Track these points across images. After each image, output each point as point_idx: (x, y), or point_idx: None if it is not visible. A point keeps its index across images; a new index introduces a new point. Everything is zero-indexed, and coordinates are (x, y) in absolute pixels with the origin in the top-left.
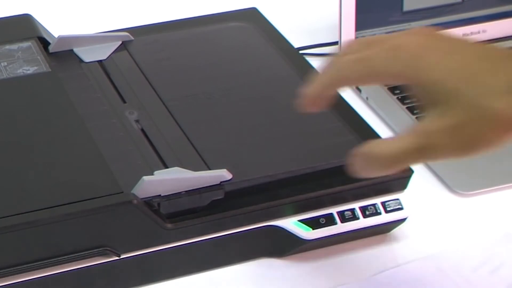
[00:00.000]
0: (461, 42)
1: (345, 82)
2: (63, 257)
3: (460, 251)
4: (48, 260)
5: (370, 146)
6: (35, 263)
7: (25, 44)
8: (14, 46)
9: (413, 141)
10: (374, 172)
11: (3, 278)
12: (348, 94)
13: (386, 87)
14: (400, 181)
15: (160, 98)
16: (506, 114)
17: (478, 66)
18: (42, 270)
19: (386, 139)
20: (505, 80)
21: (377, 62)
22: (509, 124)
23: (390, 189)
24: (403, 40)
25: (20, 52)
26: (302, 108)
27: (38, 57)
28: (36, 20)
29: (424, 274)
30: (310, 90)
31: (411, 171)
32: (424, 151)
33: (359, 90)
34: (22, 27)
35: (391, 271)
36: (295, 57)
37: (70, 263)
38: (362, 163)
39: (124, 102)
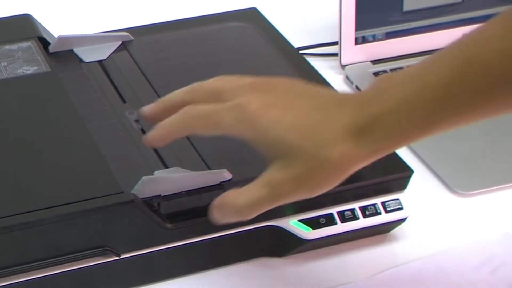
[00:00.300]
0: (296, 95)
1: (190, 133)
2: (63, 257)
3: (460, 251)
4: (48, 260)
5: (225, 198)
6: (35, 263)
7: (25, 44)
8: (14, 46)
9: (262, 191)
10: (233, 220)
11: (3, 278)
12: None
13: None
14: (400, 181)
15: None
16: (340, 162)
17: (313, 119)
18: (42, 270)
19: (239, 190)
20: (336, 130)
21: (222, 122)
22: (344, 168)
23: (390, 189)
24: (244, 100)
25: (20, 52)
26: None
27: (38, 57)
28: (36, 20)
29: (424, 274)
30: (155, 134)
31: (411, 171)
32: (274, 199)
33: (359, 90)
34: (22, 27)
35: (391, 271)
36: (295, 57)
37: (70, 263)
38: (221, 214)
39: (124, 102)
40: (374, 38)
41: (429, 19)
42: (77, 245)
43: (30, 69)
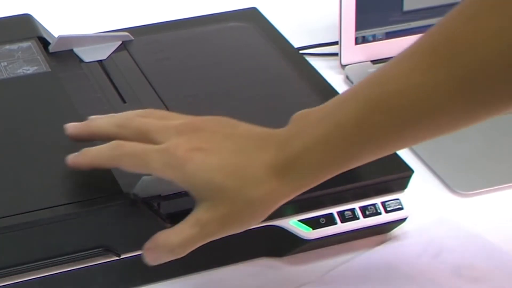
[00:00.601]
0: (222, 138)
1: (114, 167)
2: (63, 257)
3: (400, 240)
4: (48, 260)
5: (157, 240)
6: (35, 263)
7: (25, 44)
8: (14, 46)
9: (192, 231)
10: (167, 260)
11: (3, 278)
12: None
13: None
14: (400, 181)
15: (160, 98)
16: (264, 201)
17: (237, 161)
18: (42, 270)
19: (170, 231)
20: (259, 171)
21: (151, 165)
22: (270, 205)
23: (390, 189)
24: (172, 144)
25: (20, 52)
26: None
27: (38, 57)
28: (36, 20)
29: (372, 270)
30: (78, 160)
31: (411, 171)
32: (204, 237)
33: None
34: (22, 27)
35: (337, 269)
36: (295, 57)
37: (70, 263)
38: (154, 256)
39: (124, 102)
40: (374, 38)
41: (429, 19)
42: (77, 245)
43: (30, 69)
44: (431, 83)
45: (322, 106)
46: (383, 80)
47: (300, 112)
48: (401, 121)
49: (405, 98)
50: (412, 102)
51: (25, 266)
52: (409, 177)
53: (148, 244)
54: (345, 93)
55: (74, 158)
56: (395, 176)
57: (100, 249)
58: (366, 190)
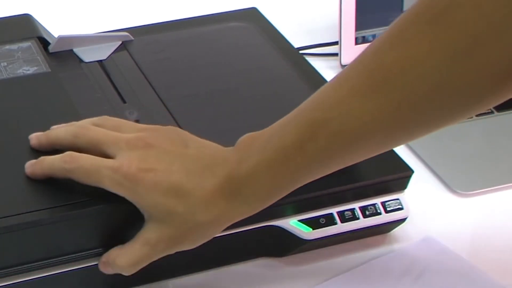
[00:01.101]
0: (174, 157)
1: (67, 177)
2: (63, 257)
3: (383, 261)
4: (48, 260)
5: (109, 257)
6: (35, 263)
7: (25, 44)
8: (14, 46)
9: (141, 251)
10: (124, 274)
11: (3, 278)
12: None
13: None
14: (400, 181)
15: (160, 98)
16: (213, 222)
17: (187, 184)
18: (42, 270)
19: (121, 249)
20: (208, 193)
21: (102, 181)
22: (219, 225)
23: (390, 189)
24: (124, 161)
25: (20, 52)
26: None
27: (38, 57)
28: (36, 20)
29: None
30: (33, 168)
31: (411, 171)
32: (154, 255)
33: None
34: (22, 27)
35: (319, 286)
36: (295, 57)
37: (70, 263)
38: (108, 270)
39: (124, 102)
40: (374, 38)
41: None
42: (77, 245)
43: (30, 69)
44: (372, 106)
45: (267, 129)
46: (325, 107)
47: (246, 135)
48: (344, 144)
49: (347, 123)
50: (355, 126)
51: (25, 266)
52: (409, 177)
53: (103, 258)
54: (288, 116)
55: (31, 167)
56: (395, 176)
57: (100, 249)
58: (366, 190)
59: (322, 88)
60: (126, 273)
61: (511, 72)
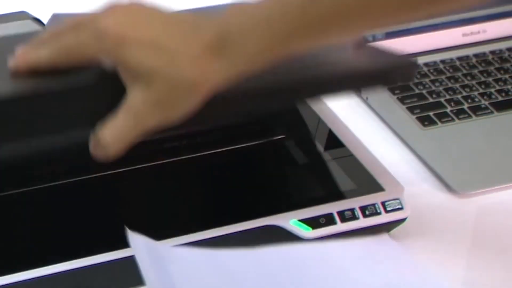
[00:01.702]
0: (155, 20)
1: (54, 64)
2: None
3: (344, 243)
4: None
5: (97, 135)
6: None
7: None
8: None
9: (123, 120)
10: (111, 154)
11: (3, 278)
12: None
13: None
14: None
15: None
16: (199, 81)
17: (172, 42)
18: (42, 270)
19: (105, 123)
20: (194, 51)
21: (85, 49)
22: (203, 89)
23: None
24: (104, 24)
25: None
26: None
27: None
28: (33, 17)
29: (308, 257)
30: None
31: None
32: (137, 124)
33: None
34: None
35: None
36: None
37: (70, 263)
38: (96, 152)
39: None
40: (374, 38)
41: (429, 19)
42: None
43: None
44: None
45: None
46: None
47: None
48: (346, 9)
49: None
50: None
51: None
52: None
53: (92, 140)
54: None
55: (14, 61)
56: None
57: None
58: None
59: None
60: (112, 150)
61: None
